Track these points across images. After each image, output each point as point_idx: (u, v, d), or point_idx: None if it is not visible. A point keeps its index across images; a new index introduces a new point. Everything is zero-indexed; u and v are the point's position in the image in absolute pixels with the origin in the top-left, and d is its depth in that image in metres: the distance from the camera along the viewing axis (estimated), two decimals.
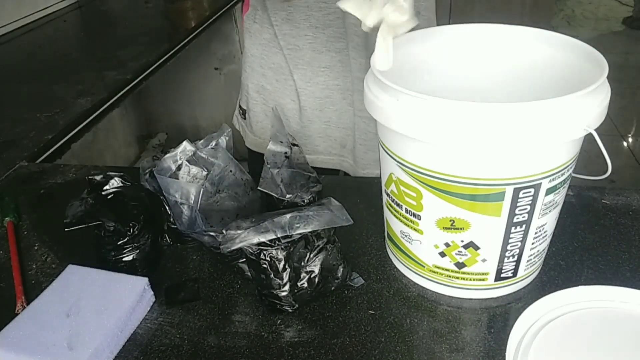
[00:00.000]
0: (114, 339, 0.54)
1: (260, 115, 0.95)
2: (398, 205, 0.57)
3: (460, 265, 0.56)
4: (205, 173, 0.64)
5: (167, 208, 0.65)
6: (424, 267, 0.58)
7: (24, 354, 0.51)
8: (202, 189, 0.60)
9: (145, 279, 0.58)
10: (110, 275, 0.59)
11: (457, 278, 0.57)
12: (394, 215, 0.59)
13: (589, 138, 0.48)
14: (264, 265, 0.55)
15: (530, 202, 0.51)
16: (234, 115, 1.05)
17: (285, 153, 0.63)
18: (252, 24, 0.88)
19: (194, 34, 1.68)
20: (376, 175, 0.91)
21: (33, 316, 0.55)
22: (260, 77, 0.91)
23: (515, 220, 0.52)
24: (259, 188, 0.61)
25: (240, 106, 1.01)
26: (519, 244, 0.54)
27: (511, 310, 0.57)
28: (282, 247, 0.54)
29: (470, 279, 0.57)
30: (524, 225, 0.53)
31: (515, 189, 0.49)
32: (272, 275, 0.55)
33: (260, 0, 0.85)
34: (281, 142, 0.64)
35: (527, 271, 0.58)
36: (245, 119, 0.99)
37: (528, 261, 0.57)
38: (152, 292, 0.59)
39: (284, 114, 0.91)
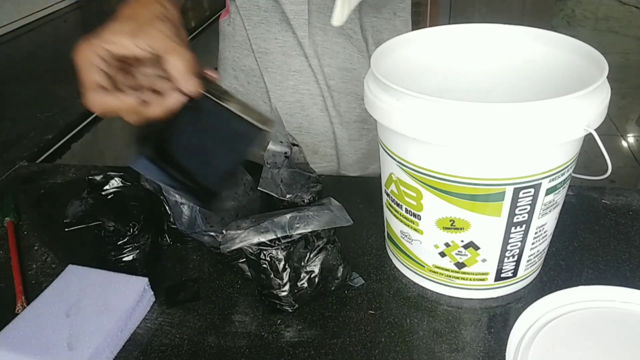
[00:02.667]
0: (114, 339, 0.54)
1: None
2: (398, 205, 0.57)
3: (460, 265, 0.56)
4: None
5: (167, 208, 0.65)
6: (424, 267, 0.59)
7: (24, 354, 0.51)
8: None
9: (145, 279, 0.58)
10: (110, 276, 0.59)
11: (457, 278, 0.57)
12: (394, 215, 0.59)
13: (589, 138, 0.48)
14: (264, 265, 0.55)
15: (530, 202, 0.51)
16: None
17: (285, 153, 0.63)
18: (226, 27, 0.89)
19: (194, 34, 1.68)
20: (353, 175, 0.91)
21: (33, 316, 0.55)
22: (233, 79, 0.91)
23: (515, 220, 0.52)
24: (259, 188, 0.61)
25: None
26: (519, 244, 0.55)
27: (511, 310, 0.57)
28: (282, 247, 0.54)
29: (470, 279, 0.57)
30: (524, 225, 0.53)
31: (515, 189, 0.49)
32: (272, 275, 0.55)
33: (235, 5, 0.85)
34: (281, 142, 0.64)
35: (527, 271, 0.58)
36: None
37: (528, 261, 0.57)
38: (152, 292, 0.59)
39: None
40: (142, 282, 0.58)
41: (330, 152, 0.91)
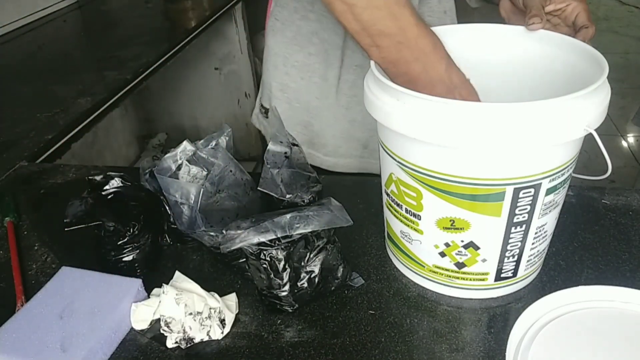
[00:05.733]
0: (107, 340, 0.54)
1: (284, 113, 0.92)
2: (398, 205, 0.57)
3: (460, 265, 0.56)
4: (205, 173, 0.65)
5: (167, 208, 0.65)
6: (424, 267, 0.58)
7: (17, 356, 0.51)
8: (202, 189, 0.60)
9: (139, 281, 0.58)
10: (104, 277, 0.59)
11: (457, 278, 0.57)
12: (394, 215, 0.59)
13: (589, 138, 0.48)
14: (264, 265, 0.55)
15: (530, 202, 0.51)
16: (254, 114, 1.04)
17: (285, 153, 0.63)
18: (275, 22, 0.88)
19: (194, 34, 1.68)
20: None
21: (26, 318, 0.55)
22: (284, 75, 0.90)
23: (515, 220, 0.52)
24: (259, 188, 0.61)
25: (262, 105, 0.99)
26: (519, 244, 0.54)
27: (511, 310, 0.57)
28: (282, 247, 0.54)
29: (470, 279, 0.57)
30: (524, 225, 0.53)
31: (515, 189, 0.49)
32: (272, 275, 0.55)
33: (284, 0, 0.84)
34: (281, 142, 0.63)
35: (527, 271, 0.58)
36: (267, 117, 0.98)
37: (528, 261, 0.57)
38: (147, 294, 0.59)
39: (308, 112, 0.90)
40: (135, 284, 0.58)
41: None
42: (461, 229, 0.53)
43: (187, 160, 0.65)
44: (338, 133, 0.90)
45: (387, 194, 0.59)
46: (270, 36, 0.90)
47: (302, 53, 0.86)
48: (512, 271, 0.57)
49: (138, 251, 0.62)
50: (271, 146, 0.63)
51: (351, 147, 0.91)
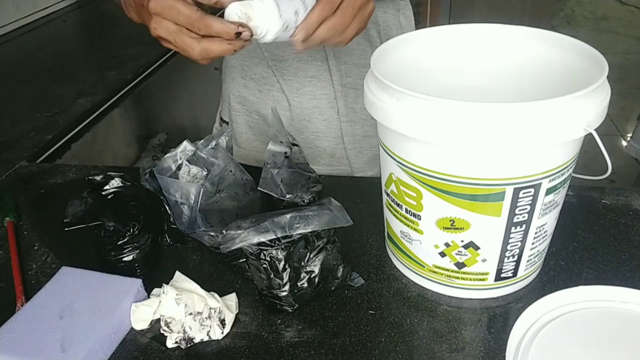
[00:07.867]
0: (107, 340, 0.54)
1: (244, 126, 0.93)
2: (398, 205, 0.57)
3: (460, 265, 0.56)
4: (205, 173, 0.65)
5: (167, 208, 0.65)
6: (424, 267, 0.59)
7: (17, 356, 0.51)
8: (202, 189, 0.60)
9: (139, 280, 0.58)
10: (104, 277, 0.59)
11: (457, 278, 0.57)
12: (394, 215, 0.59)
13: (589, 138, 0.48)
14: (264, 265, 0.55)
15: (530, 202, 0.51)
16: (214, 128, 1.05)
17: (285, 153, 0.63)
18: None
19: None
20: (369, 176, 0.91)
21: (26, 318, 0.55)
22: (242, 88, 0.90)
23: (515, 220, 0.52)
24: (259, 188, 0.61)
25: (221, 118, 1.00)
26: (519, 244, 0.55)
27: (511, 310, 0.57)
28: (282, 247, 0.54)
29: (470, 279, 0.57)
30: (524, 225, 0.53)
31: (515, 189, 0.49)
32: (272, 275, 0.55)
33: None
34: (281, 142, 0.64)
35: (527, 271, 0.58)
36: None
37: (528, 261, 0.57)
38: (147, 294, 0.59)
39: (267, 124, 0.90)
40: (136, 283, 0.58)
41: (348, 153, 0.91)
42: (461, 229, 0.53)
43: (187, 160, 0.65)
44: (302, 143, 0.89)
45: (387, 194, 0.59)
46: None
47: (261, 65, 0.85)
48: (512, 271, 0.57)
49: (138, 251, 0.62)
50: (271, 146, 0.63)
51: (317, 156, 0.90)
